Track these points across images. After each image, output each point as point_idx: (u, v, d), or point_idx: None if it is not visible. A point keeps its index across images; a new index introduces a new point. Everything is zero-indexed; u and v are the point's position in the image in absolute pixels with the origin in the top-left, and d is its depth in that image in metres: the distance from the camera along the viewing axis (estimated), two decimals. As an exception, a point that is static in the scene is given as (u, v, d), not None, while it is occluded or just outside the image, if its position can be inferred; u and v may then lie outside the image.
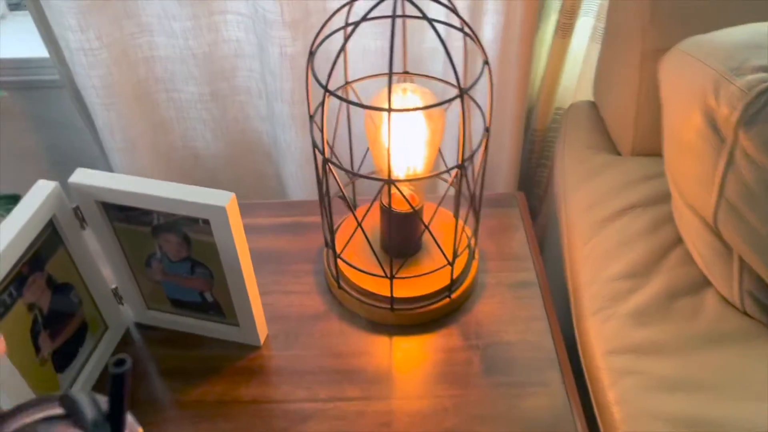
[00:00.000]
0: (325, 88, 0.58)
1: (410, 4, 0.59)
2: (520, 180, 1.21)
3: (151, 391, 0.68)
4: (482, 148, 0.66)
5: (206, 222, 0.59)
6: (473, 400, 0.65)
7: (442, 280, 0.73)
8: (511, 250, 0.80)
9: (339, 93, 0.63)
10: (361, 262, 0.74)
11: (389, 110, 0.56)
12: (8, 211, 1.06)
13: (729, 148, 0.63)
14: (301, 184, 1.15)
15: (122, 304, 0.72)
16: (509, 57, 1.00)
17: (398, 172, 0.68)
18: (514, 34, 0.98)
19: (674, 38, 0.72)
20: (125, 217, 0.62)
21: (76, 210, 0.62)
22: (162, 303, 0.72)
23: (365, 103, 0.60)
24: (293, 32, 0.95)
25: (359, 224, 0.69)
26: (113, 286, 0.70)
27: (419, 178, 0.70)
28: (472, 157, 0.64)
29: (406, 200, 0.68)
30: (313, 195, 1.15)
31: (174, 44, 1.04)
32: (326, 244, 0.78)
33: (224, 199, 0.57)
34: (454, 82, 0.60)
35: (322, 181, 0.67)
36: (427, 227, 0.68)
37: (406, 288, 0.72)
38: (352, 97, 0.69)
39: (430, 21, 0.57)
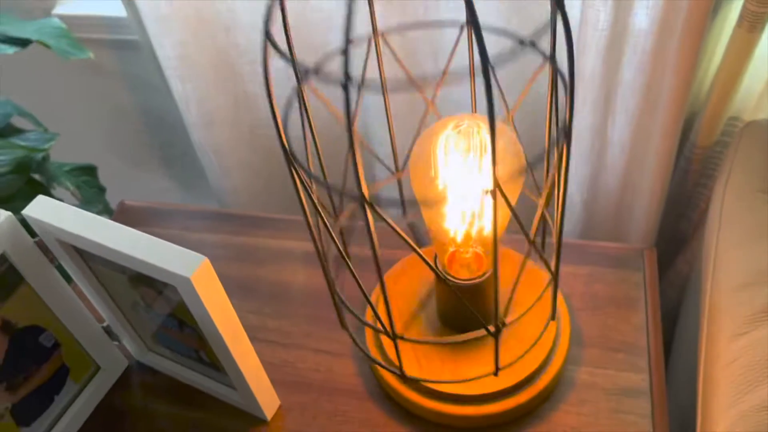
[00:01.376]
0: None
1: None
2: (669, 204, 0.95)
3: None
4: (562, 167, 0.42)
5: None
6: None
7: (512, 369, 0.54)
8: (619, 336, 0.58)
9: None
10: (405, 325, 0.57)
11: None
12: (80, 184, 0.99)
13: None
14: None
15: (119, 342, 0.60)
16: (666, 52, 0.74)
17: (459, 235, 0.49)
18: (675, 23, 0.72)
19: None
20: (100, 258, 0.49)
21: (39, 244, 0.50)
22: (162, 348, 0.59)
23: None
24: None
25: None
26: (104, 324, 0.58)
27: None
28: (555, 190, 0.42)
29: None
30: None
31: (258, 9, 0.89)
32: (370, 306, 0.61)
33: (191, 265, 0.42)
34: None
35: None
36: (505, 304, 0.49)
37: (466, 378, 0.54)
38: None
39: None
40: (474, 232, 0.48)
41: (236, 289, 0.66)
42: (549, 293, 0.57)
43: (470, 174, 0.45)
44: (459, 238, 0.49)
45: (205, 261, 0.42)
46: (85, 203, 0.98)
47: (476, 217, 0.47)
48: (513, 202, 0.47)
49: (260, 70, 0.96)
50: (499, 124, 0.44)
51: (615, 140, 0.84)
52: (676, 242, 0.98)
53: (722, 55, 0.78)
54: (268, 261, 0.69)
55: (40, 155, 0.89)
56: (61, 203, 0.47)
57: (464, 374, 0.54)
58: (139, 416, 0.59)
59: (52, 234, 0.47)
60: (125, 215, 0.76)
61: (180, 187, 1.42)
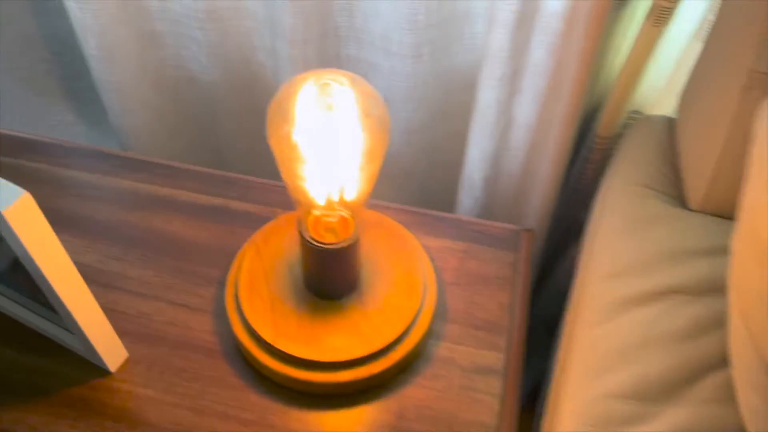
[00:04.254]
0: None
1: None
2: (566, 195, 0.95)
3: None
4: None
5: (-4, 220, 0.40)
6: None
7: (368, 339, 0.52)
8: (484, 314, 0.58)
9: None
10: (272, 294, 0.55)
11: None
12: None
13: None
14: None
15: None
16: (572, 37, 0.74)
17: (320, 198, 0.47)
18: (582, 8, 0.71)
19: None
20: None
21: None
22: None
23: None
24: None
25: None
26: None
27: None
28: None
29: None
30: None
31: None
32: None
33: (8, 199, 0.38)
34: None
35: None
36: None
37: (320, 345, 0.52)
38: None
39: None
40: (336, 198, 0.46)
41: (100, 231, 0.63)
42: (417, 266, 0.56)
43: (332, 134, 0.43)
44: (320, 202, 0.47)
45: (24, 195, 0.39)
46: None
47: (337, 177, 0.45)
48: (377, 167, 0.45)
49: (171, 6, 0.91)
50: (359, 80, 0.42)
51: (521, 121, 0.84)
52: (573, 231, 0.99)
53: (628, 48, 0.78)
54: (140, 206, 0.65)
55: None
56: None
57: (320, 339, 0.53)
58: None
59: None
60: (-8, 143, 0.71)
61: (85, 122, 1.35)
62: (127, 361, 0.55)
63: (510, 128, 0.85)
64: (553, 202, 0.89)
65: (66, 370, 0.54)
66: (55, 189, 0.67)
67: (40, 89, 1.31)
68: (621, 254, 0.62)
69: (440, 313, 0.57)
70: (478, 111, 0.82)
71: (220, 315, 0.57)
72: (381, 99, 0.43)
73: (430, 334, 0.56)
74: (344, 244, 0.50)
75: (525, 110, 0.82)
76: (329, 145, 0.42)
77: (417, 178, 1.00)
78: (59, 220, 0.64)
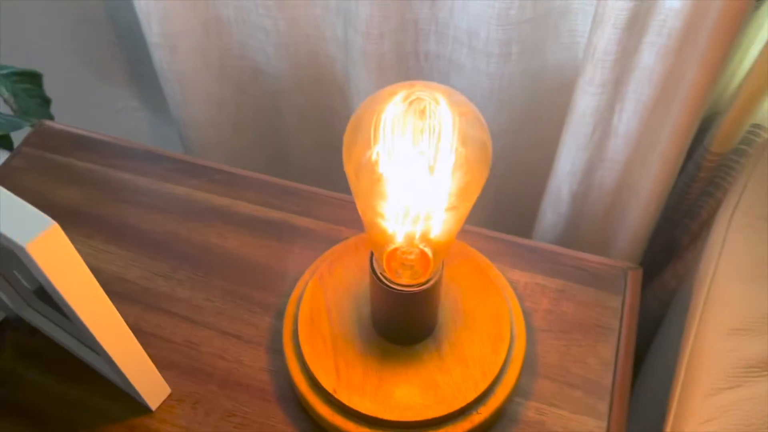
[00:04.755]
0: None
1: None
2: (666, 209, 0.84)
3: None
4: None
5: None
6: None
7: (445, 395, 0.45)
8: (581, 370, 0.49)
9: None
10: (335, 334, 0.48)
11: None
12: (17, 91, 0.88)
13: None
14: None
15: (-9, 292, 0.51)
16: (696, 39, 0.63)
17: (400, 236, 0.39)
18: (711, 5, 0.60)
19: None
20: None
21: None
22: (42, 304, 0.50)
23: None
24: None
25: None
26: (-29, 270, 0.49)
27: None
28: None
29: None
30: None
31: None
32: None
33: (33, 230, 0.32)
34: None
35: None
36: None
37: (388, 399, 0.45)
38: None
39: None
40: (418, 235, 0.38)
41: (149, 244, 0.57)
42: (504, 309, 0.48)
43: (422, 167, 0.35)
44: (399, 239, 0.39)
45: (52, 227, 0.32)
46: (22, 114, 0.88)
47: (422, 217, 0.37)
48: (471, 205, 0.37)
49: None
50: (460, 99, 0.33)
51: (620, 131, 0.74)
52: (667, 252, 0.89)
53: (758, 51, 0.67)
54: (194, 217, 0.59)
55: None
56: None
57: (388, 392, 0.45)
58: (3, 381, 0.50)
59: None
60: (42, 139, 0.66)
61: (148, 108, 1.31)
62: (170, 397, 0.49)
63: (607, 138, 0.75)
64: (651, 225, 0.79)
65: (105, 404, 0.49)
66: (104, 193, 0.61)
67: (105, 73, 1.27)
68: (746, 305, 0.52)
69: (529, 366, 0.49)
70: (573, 118, 0.72)
71: (276, 350, 0.51)
72: (483, 122, 0.35)
73: (516, 392, 0.48)
74: (424, 287, 0.42)
75: (627, 120, 0.72)
76: (418, 181, 0.34)
77: (493, 184, 0.91)
78: (106, 229, 0.59)
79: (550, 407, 0.47)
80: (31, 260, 0.32)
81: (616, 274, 0.54)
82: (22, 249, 0.32)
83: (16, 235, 0.32)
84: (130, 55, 1.21)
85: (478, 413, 0.45)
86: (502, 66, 0.76)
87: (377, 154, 0.34)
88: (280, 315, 0.52)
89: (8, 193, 0.34)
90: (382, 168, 0.34)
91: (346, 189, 0.61)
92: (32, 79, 0.90)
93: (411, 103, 0.34)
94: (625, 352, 0.50)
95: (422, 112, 0.33)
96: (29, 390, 0.49)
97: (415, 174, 0.34)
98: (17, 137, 0.78)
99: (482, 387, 0.45)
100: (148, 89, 1.26)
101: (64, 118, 0.72)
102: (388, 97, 0.34)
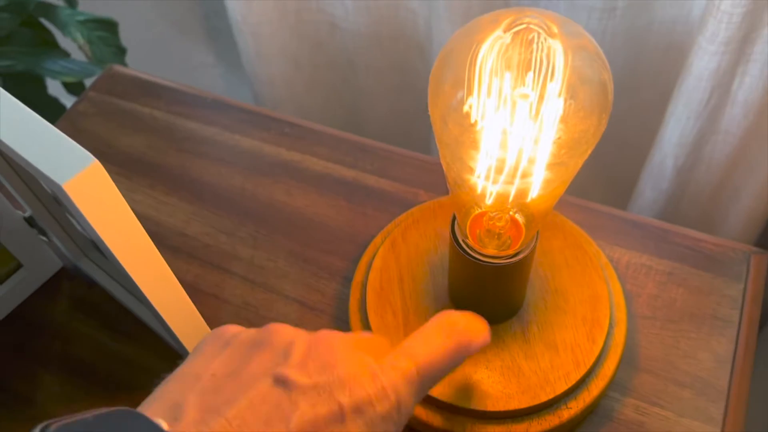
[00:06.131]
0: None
1: None
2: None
3: (32, 371, 0.45)
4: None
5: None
6: None
7: (531, 385, 0.39)
8: (691, 367, 0.42)
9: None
10: (407, 307, 0.43)
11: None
12: (93, 39, 0.86)
13: None
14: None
15: (47, 239, 0.48)
16: None
17: (490, 196, 0.33)
18: None
19: None
20: None
21: None
22: (99, 254, 0.47)
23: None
24: None
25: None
26: (26, 214, 0.46)
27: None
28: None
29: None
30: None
31: None
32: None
33: (72, 168, 0.28)
34: None
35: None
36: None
37: (465, 386, 0.40)
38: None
39: None
40: (512, 196, 0.32)
41: (212, 198, 0.53)
42: (603, 291, 0.42)
43: (521, 106, 0.29)
44: (488, 200, 0.33)
45: (94, 164, 0.28)
46: (96, 62, 0.86)
47: (519, 173, 0.31)
48: (582, 161, 0.30)
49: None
50: (577, 30, 0.27)
51: (739, 99, 0.65)
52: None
53: None
54: (261, 171, 0.55)
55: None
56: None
57: (466, 378, 0.40)
58: (56, 334, 0.47)
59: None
60: (110, 84, 0.63)
61: (224, 65, 1.29)
62: (225, 363, 0.45)
63: (724, 106, 0.66)
64: (768, 207, 0.70)
65: (150, 361, 0.45)
66: (169, 142, 0.58)
67: (182, 27, 1.26)
68: None
69: (629, 358, 0.42)
70: (686, 82, 0.64)
71: (342, 320, 0.46)
72: (604, 59, 0.28)
73: (613, 386, 0.41)
74: (513, 260, 0.36)
75: (749, 86, 0.63)
76: (520, 127, 0.28)
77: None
78: (168, 180, 0.55)
79: (652, 407, 0.41)
80: (69, 200, 0.28)
81: (737, 257, 0.46)
82: (60, 187, 0.28)
83: (53, 172, 0.28)
84: (207, 8, 1.19)
85: (567, 407, 0.39)
86: (605, 21, 0.68)
87: (473, 94, 0.28)
88: (347, 281, 0.47)
89: (48, 125, 0.30)
90: (477, 111, 0.28)
91: (424, 152, 0.55)
92: (108, 27, 0.88)
93: (517, 33, 0.28)
94: (744, 349, 0.42)
95: (530, 42, 0.27)
96: (83, 344, 0.47)
97: (517, 119, 0.28)
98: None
99: (574, 378, 0.39)
100: (224, 45, 1.24)
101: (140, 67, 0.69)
102: (489, 25, 0.28)
